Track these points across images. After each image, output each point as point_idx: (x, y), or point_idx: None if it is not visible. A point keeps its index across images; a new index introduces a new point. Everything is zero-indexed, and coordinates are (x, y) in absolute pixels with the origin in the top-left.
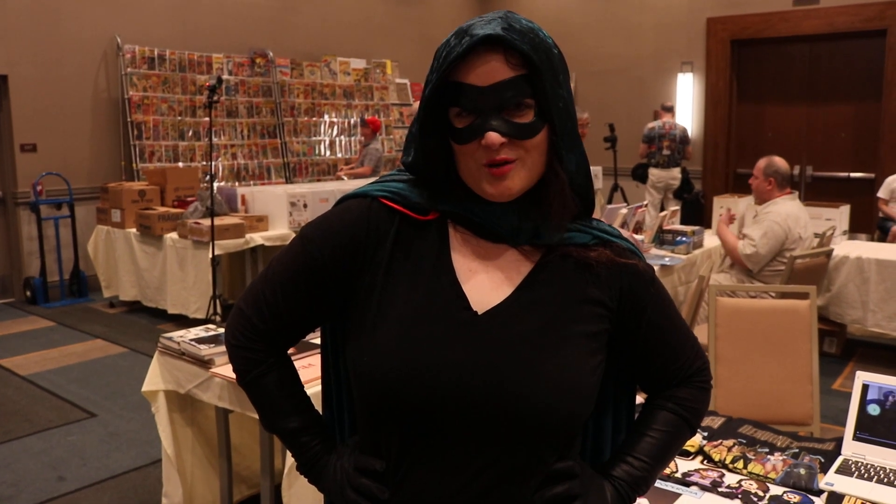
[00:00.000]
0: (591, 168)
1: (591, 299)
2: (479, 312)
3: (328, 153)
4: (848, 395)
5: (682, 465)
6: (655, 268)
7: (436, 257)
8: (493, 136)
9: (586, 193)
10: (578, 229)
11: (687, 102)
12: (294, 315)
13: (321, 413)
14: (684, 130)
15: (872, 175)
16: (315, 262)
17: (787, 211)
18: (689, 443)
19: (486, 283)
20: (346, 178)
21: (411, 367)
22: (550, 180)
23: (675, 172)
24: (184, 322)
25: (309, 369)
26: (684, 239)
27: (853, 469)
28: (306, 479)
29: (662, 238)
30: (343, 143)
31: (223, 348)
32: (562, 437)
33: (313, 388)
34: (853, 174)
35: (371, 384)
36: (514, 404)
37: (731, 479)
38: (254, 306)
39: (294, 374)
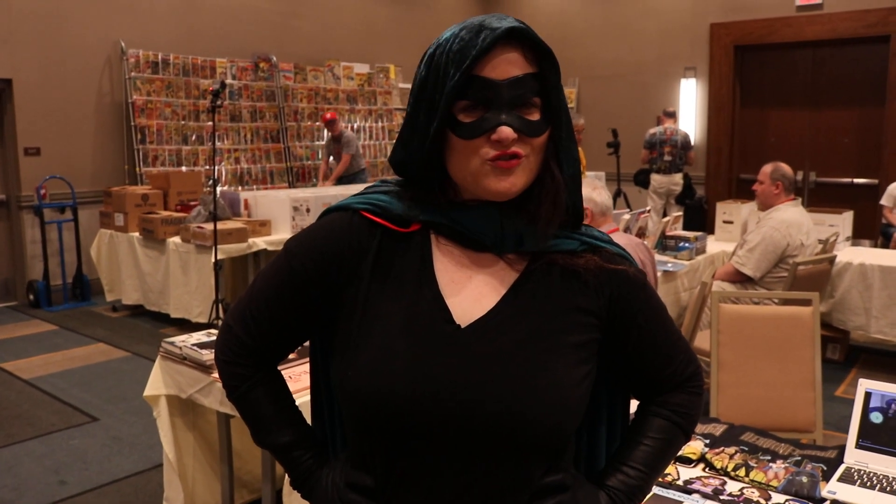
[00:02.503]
0: (595, 173)
1: (578, 308)
2: (463, 325)
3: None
4: (850, 402)
5: (683, 473)
6: (658, 274)
7: (418, 270)
8: (507, 131)
9: (576, 201)
10: (566, 236)
11: (690, 108)
12: (280, 330)
13: (311, 425)
14: (686, 136)
15: (876, 181)
16: (299, 276)
17: (790, 218)
18: (690, 450)
19: (469, 294)
20: (321, 184)
21: (394, 383)
22: (546, 181)
23: (677, 178)
24: (186, 326)
25: None
26: (687, 245)
27: (856, 477)
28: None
29: (665, 244)
30: None
31: None
32: (550, 450)
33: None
34: (856, 180)
35: (355, 400)
36: (499, 419)
37: (732, 486)
38: (241, 322)
39: (284, 387)
